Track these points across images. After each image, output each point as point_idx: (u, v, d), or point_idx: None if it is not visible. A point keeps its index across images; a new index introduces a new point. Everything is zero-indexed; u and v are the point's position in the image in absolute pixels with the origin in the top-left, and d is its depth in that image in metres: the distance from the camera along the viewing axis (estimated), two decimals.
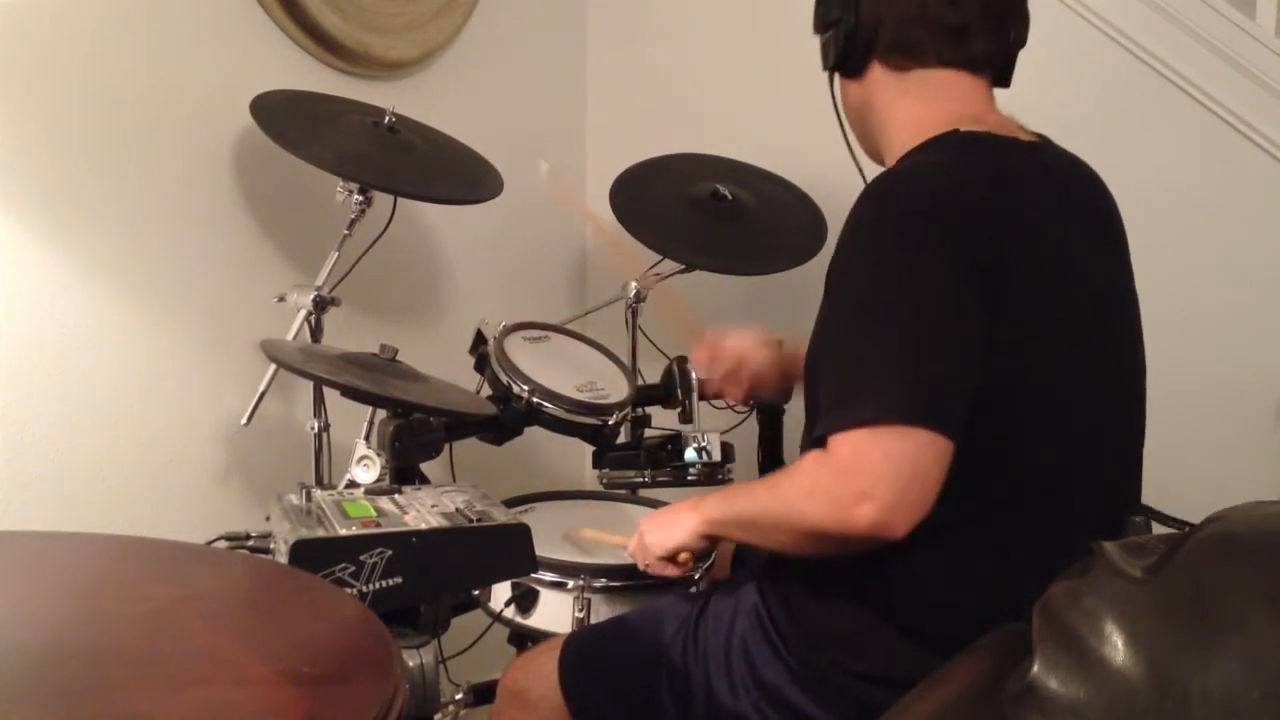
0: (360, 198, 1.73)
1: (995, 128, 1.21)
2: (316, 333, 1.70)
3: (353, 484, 1.47)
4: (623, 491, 1.87)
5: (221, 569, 1.15)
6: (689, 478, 1.79)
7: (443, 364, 1.73)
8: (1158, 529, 1.39)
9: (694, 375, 1.77)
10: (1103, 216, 1.27)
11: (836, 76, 1.32)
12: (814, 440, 1.10)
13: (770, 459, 1.84)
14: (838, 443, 1.07)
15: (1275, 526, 0.80)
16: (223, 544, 1.41)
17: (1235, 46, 1.91)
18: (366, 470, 1.48)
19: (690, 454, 1.77)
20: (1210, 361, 1.95)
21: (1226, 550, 0.76)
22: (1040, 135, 1.27)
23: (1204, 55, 1.93)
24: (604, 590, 1.51)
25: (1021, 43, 1.28)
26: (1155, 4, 1.95)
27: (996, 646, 0.90)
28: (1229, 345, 1.95)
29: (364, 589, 1.16)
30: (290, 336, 1.68)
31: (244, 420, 1.70)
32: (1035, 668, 0.76)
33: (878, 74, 1.26)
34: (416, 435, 1.51)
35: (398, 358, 1.54)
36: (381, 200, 1.79)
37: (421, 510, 1.27)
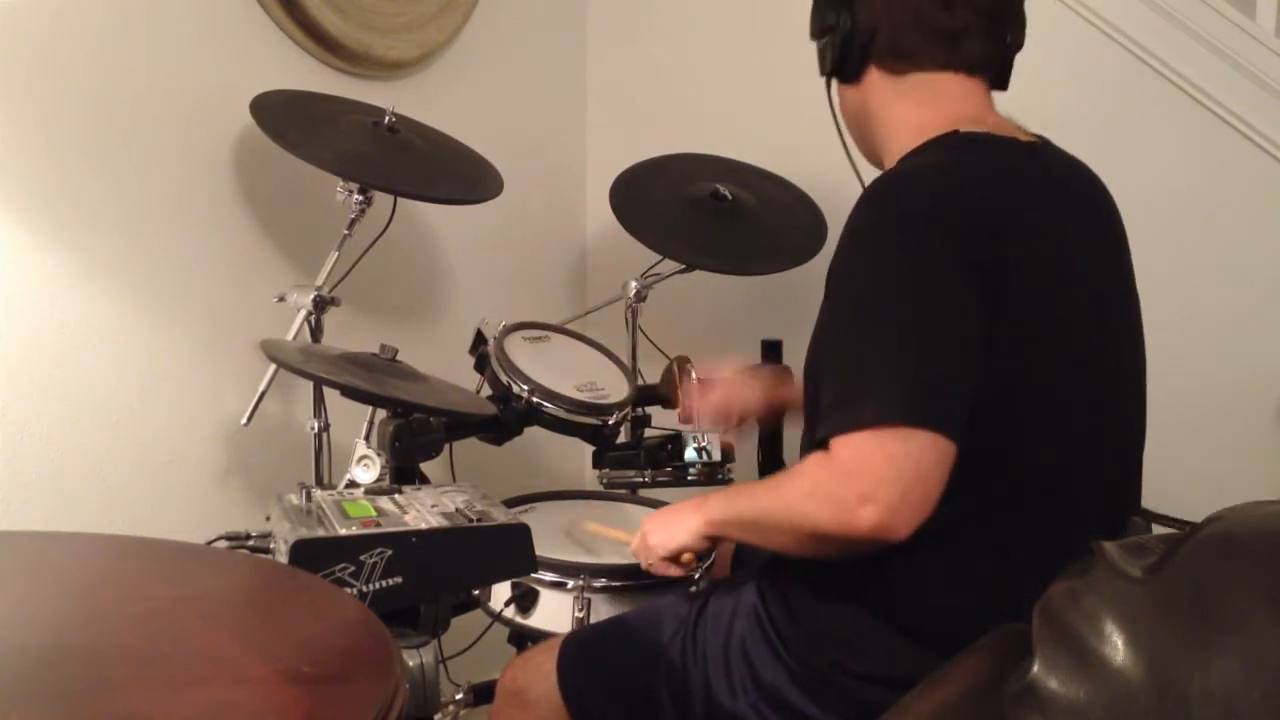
0: (360, 198, 1.73)
1: (995, 128, 1.22)
2: (316, 333, 1.70)
3: (353, 484, 1.47)
4: (623, 491, 1.87)
5: (221, 569, 1.15)
6: (689, 478, 1.80)
7: (443, 364, 1.73)
8: (1157, 529, 1.39)
9: (694, 376, 1.77)
10: (1103, 217, 1.27)
11: (833, 82, 1.32)
12: (816, 442, 1.10)
13: (770, 459, 1.84)
14: (839, 445, 1.07)
15: (1275, 526, 0.80)
16: (223, 544, 1.41)
17: (1235, 46, 1.92)
18: (366, 470, 1.48)
19: (690, 454, 1.77)
20: (1210, 361, 1.95)
21: (1226, 550, 0.76)
22: (1039, 136, 1.27)
23: (1204, 55, 1.93)
24: (604, 590, 1.51)
25: (1018, 46, 1.28)
26: (1155, 4, 1.95)
27: (996, 646, 0.90)
28: (1229, 345, 1.95)
29: (364, 589, 1.16)
30: (290, 336, 1.68)
31: (244, 420, 1.70)
32: (1035, 668, 0.76)
33: (874, 79, 1.27)
34: (416, 435, 1.51)
35: (398, 358, 1.54)
36: (381, 200, 1.79)
37: (421, 510, 1.27)
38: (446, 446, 1.62)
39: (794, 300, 2.02)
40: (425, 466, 1.61)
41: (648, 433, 1.87)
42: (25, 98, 1.54)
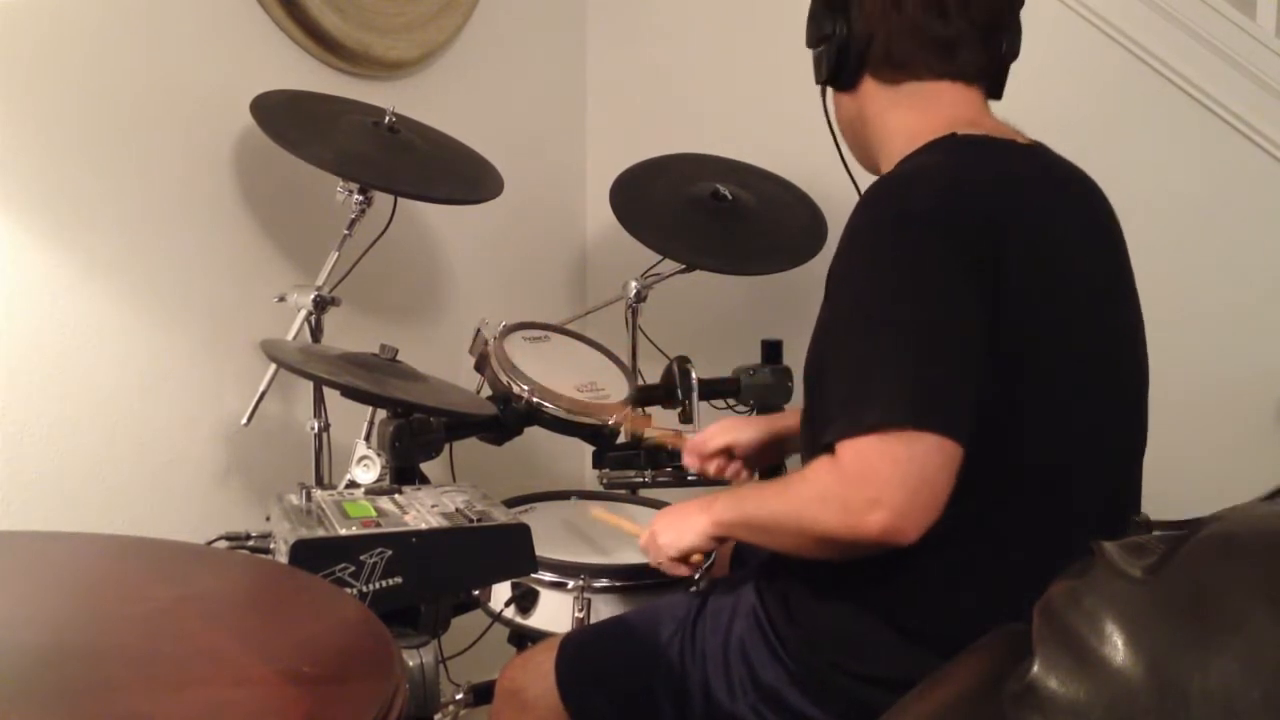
0: (360, 198, 1.73)
1: (992, 131, 1.22)
2: (316, 333, 1.70)
3: (353, 484, 1.47)
4: (623, 491, 1.87)
5: (221, 569, 1.15)
6: (689, 478, 1.79)
7: (443, 364, 1.73)
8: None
9: (694, 375, 1.77)
10: (1101, 219, 1.27)
11: (829, 90, 1.33)
12: (822, 447, 1.10)
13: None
14: (845, 449, 1.07)
15: (1275, 526, 0.80)
16: (223, 544, 1.41)
17: (1235, 46, 1.92)
18: (366, 470, 1.48)
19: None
20: (1210, 361, 1.95)
21: (1226, 550, 0.76)
22: (1036, 141, 1.27)
23: (1204, 55, 1.93)
24: (604, 590, 1.51)
25: (1014, 54, 1.28)
26: (1155, 4, 1.95)
27: (996, 646, 0.90)
28: (1229, 345, 1.95)
29: (364, 589, 1.16)
30: (290, 336, 1.68)
31: (244, 420, 1.70)
32: (1035, 668, 0.76)
33: (870, 87, 1.27)
34: (416, 435, 1.51)
35: (398, 358, 1.54)
36: (381, 200, 1.79)
37: (421, 510, 1.27)
38: (446, 446, 1.61)
39: (794, 300, 2.03)
40: (425, 466, 1.61)
41: (648, 433, 1.87)
42: (25, 98, 1.54)
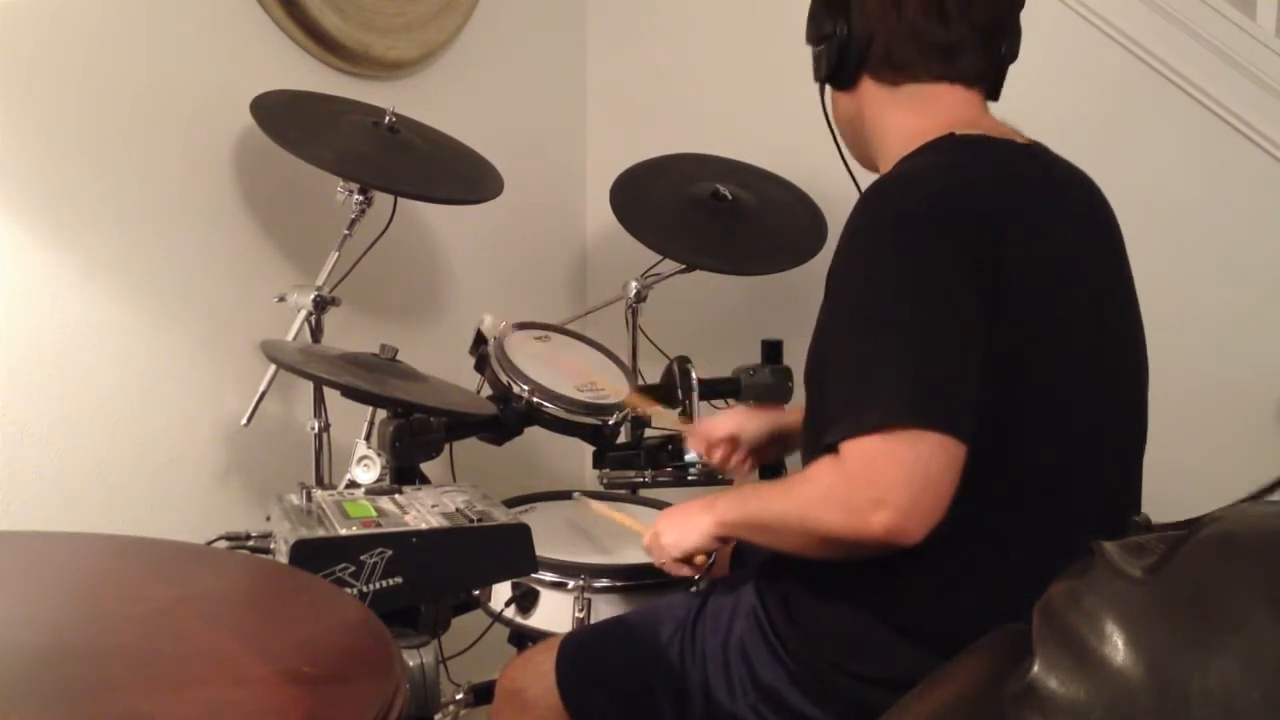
0: (360, 198, 1.73)
1: (991, 131, 1.22)
2: (316, 333, 1.70)
3: (353, 484, 1.47)
4: (623, 491, 1.87)
5: (221, 569, 1.15)
6: (689, 478, 1.80)
7: (443, 364, 1.73)
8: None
9: (694, 375, 1.77)
10: (1100, 218, 1.27)
11: (827, 87, 1.32)
12: (825, 447, 1.10)
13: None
14: (849, 449, 1.06)
15: (1275, 526, 0.80)
16: (223, 544, 1.42)
17: (1235, 46, 1.92)
18: (367, 470, 1.48)
19: (690, 454, 1.77)
20: (1210, 361, 1.95)
21: (1226, 550, 0.76)
22: (1035, 141, 1.27)
23: (1204, 55, 1.93)
24: (604, 590, 1.51)
25: (1013, 56, 1.28)
26: (1155, 4, 1.95)
27: (996, 646, 0.90)
28: (1229, 345, 1.95)
29: (364, 589, 1.16)
30: (290, 336, 1.68)
31: (244, 420, 1.70)
32: (1035, 668, 0.76)
33: (869, 87, 1.27)
34: (416, 435, 1.51)
35: (398, 358, 1.54)
36: (381, 200, 1.79)
37: (422, 510, 1.27)
38: (446, 446, 1.62)
39: (794, 300, 2.02)
40: (425, 466, 1.61)
41: (648, 433, 1.87)
42: (25, 98, 1.54)
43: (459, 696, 1.61)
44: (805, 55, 1.33)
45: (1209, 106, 1.93)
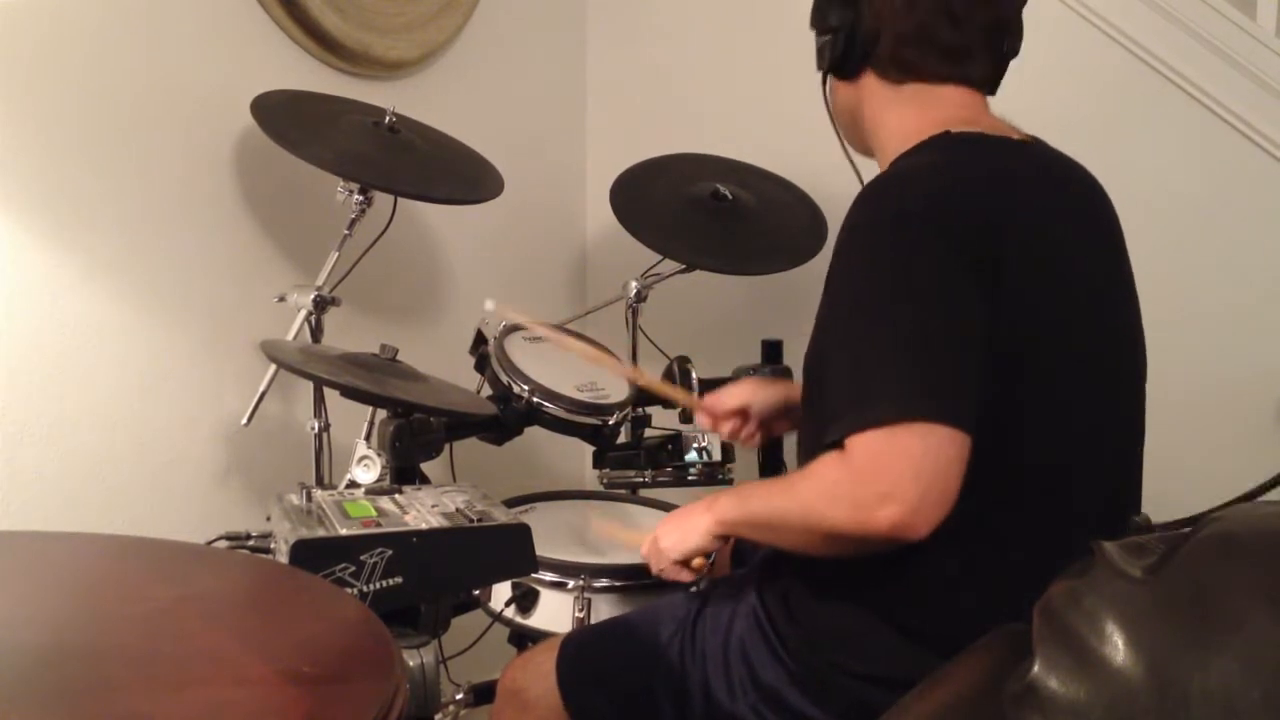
0: (360, 198, 1.73)
1: (988, 129, 1.21)
2: (316, 333, 1.70)
3: (353, 484, 1.47)
4: (623, 491, 1.87)
5: (221, 569, 1.15)
6: (689, 478, 1.80)
7: (443, 364, 1.73)
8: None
9: (694, 375, 1.77)
10: (1101, 217, 1.27)
11: (829, 75, 1.32)
12: (830, 443, 1.09)
13: (770, 461, 1.84)
14: (855, 444, 1.06)
15: (1275, 526, 0.80)
16: (223, 544, 1.42)
17: (1235, 46, 1.92)
18: (367, 470, 1.48)
19: (690, 454, 1.77)
20: (1210, 361, 1.95)
21: (1226, 550, 0.76)
22: (1033, 136, 1.27)
23: (1204, 55, 1.93)
24: (604, 590, 1.51)
25: (1014, 53, 1.28)
26: (1155, 4, 1.95)
27: (996, 646, 0.90)
28: (1229, 345, 1.95)
29: (364, 589, 1.16)
30: (290, 336, 1.68)
31: (244, 420, 1.70)
32: (1035, 668, 0.76)
33: (871, 82, 1.26)
34: (417, 435, 1.51)
35: (398, 358, 1.54)
36: (382, 200, 1.79)
37: (422, 510, 1.27)
38: (446, 446, 1.61)
39: (794, 300, 2.02)
40: (425, 466, 1.61)
41: (648, 433, 1.87)
42: (25, 98, 1.54)
43: (459, 696, 1.61)
44: (806, 56, 1.33)
45: (1209, 106, 1.93)
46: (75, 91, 1.60)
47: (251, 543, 1.41)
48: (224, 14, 1.81)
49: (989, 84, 1.27)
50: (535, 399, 1.62)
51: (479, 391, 1.73)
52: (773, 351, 1.92)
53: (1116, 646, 0.74)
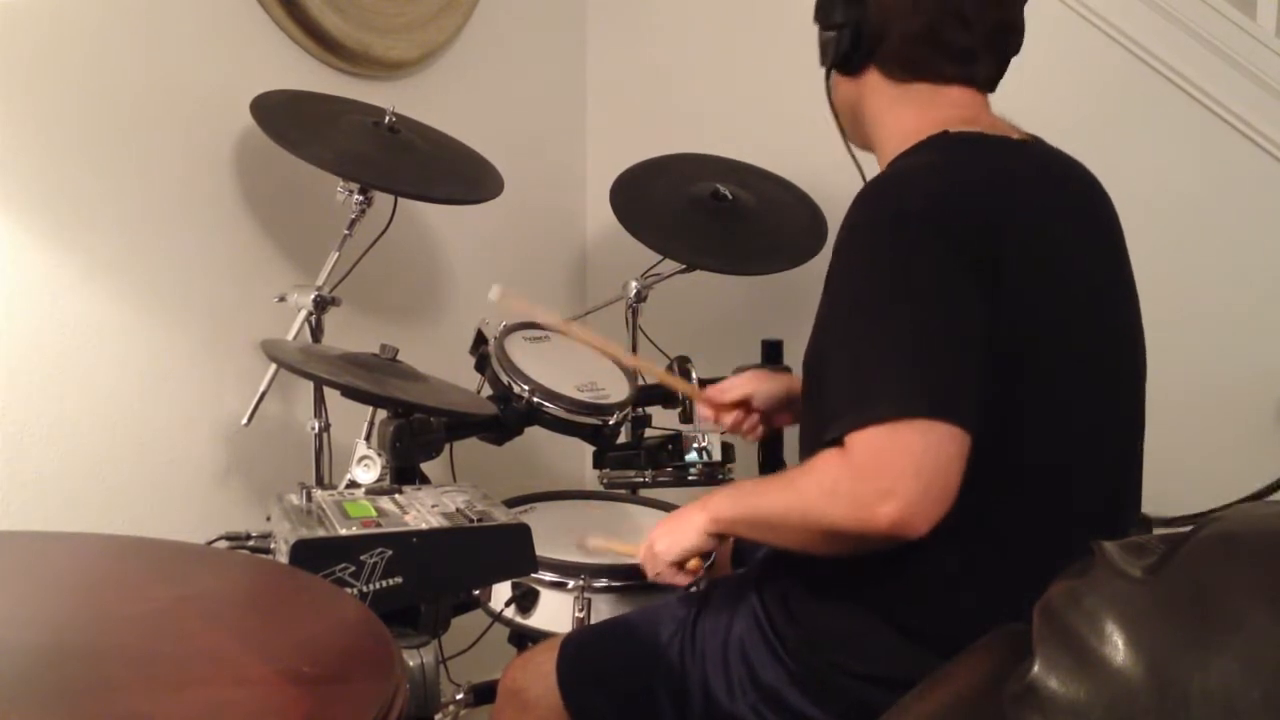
0: (360, 198, 1.73)
1: (987, 128, 1.21)
2: (317, 333, 1.70)
3: (353, 484, 1.47)
4: (623, 491, 1.87)
5: (221, 569, 1.15)
6: (689, 478, 1.80)
7: (443, 364, 1.73)
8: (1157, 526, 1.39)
9: (694, 375, 1.77)
10: (1100, 216, 1.27)
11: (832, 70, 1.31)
12: (829, 441, 1.09)
13: (770, 458, 1.84)
14: (856, 441, 1.05)
15: (1275, 526, 0.80)
16: (223, 544, 1.42)
17: (1235, 46, 1.92)
18: (367, 470, 1.48)
19: (690, 454, 1.77)
20: (1210, 361, 1.95)
21: (1226, 550, 0.76)
22: (1032, 135, 1.27)
23: (1204, 55, 1.93)
24: (604, 590, 1.51)
25: (1016, 51, 1.27)
26: (1155, 4, 1.95)
27: (996, 646, 0.90)
28: (1229, 345, 1.95)
29: (364, 589, 1.16)
30: (290, 336, 1.68)
31: (244, 420, 1.70)
32: (1035, 668, 0.76)
33: (874, 79, 1.26)
34: (417, 435, 1.51)
35: (398, 358, 1.54)
36: (382, 200, 1.79)
37: (422, 510, 1.27)
38: (446, 446, 1.61)
39: (794, 300, 2.02)
40: (425, 466, 1.61)
41: (648, 433, 1.87)
42: (25, 98, 1.54)
43: (459, 696, 1.61)
44: (805, 56, 1.32)
45: (1209, 106, 1.93)
46: (75, 91, 1.60)
47: (251, 543, 1.41)
48: (224, 14, 1.81)
49: (992, 83, 1.27)
50: (535, 399, 1.62)
51: (479, 391, 1.73)
52: (773, 351, 1.92)
53: (1116, 646, 0.74)
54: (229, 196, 1.83)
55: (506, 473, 2.07)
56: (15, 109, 1.53)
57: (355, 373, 1.46)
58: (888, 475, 1.03)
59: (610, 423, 1.68)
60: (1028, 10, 1.28)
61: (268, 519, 1.32)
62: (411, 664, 1.18)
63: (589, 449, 1.84)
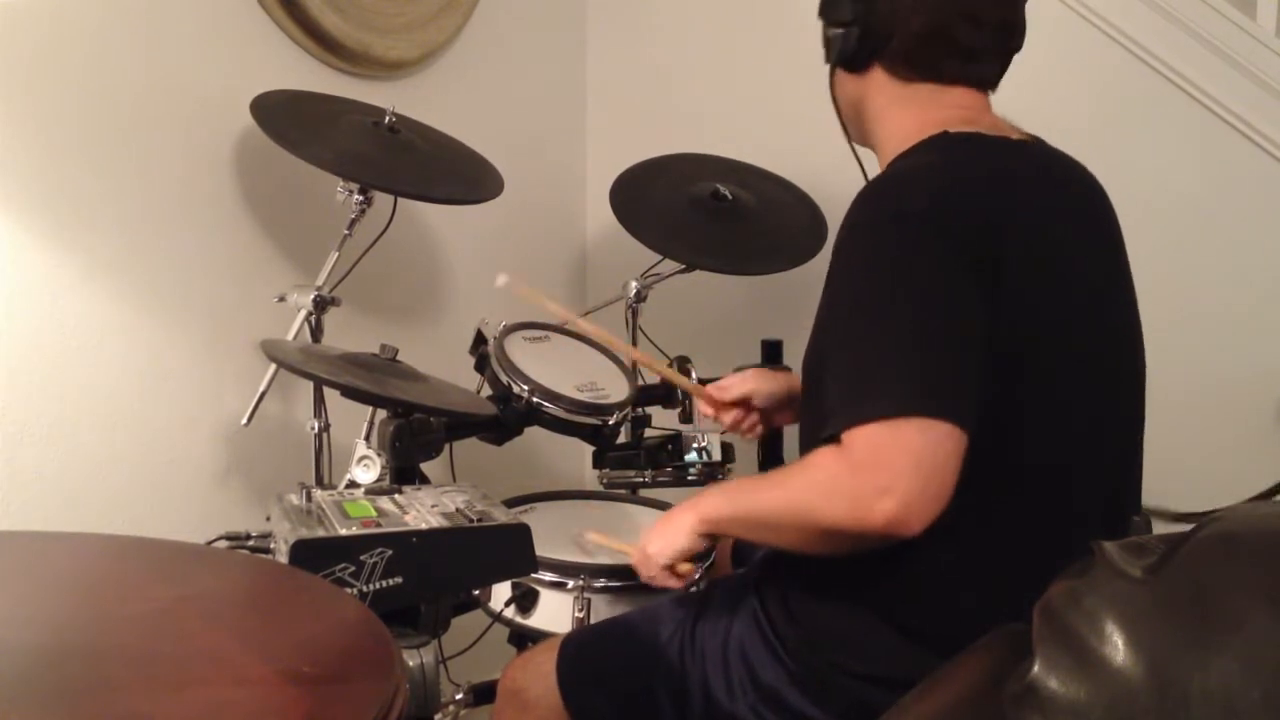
0: (360, 198, 1.73)
1: (988, 129, 1.21)
2: (316, 333, 1.70)
3: (353, 484, 1.47)
4: (623, 491, 1.87)
5: (221, 569, 1.15)
6: (689, 478, 1.79)
7: (443, 364, 1.73)
8: (1158, 527, 1.39)
9: (694, 375, 1.77)
10: (1100, 216, 1.27)
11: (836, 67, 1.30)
12: (825, 437, 1.09)
13: (770, 458, 1.84)
14: (855, 438, 1.05)
15: (1275, 526, 0.80)
16: (223, 544, 1.41)
17: (1235, 46, 1.92)
18: (366, 470, 1.48)
19: (690, 454, 1.77)
20: (1210, 361, 1.95)
21: (1226, 550, 0.76)
22: (1032, 135, 1.27)
23: (1204, 55, 1.93)
24: (604, 590, 1.51)
25: (1017, 50, 1.27)
26: (1155, 4, 1.95)
27: (996, 646, 0.90)
28: (1229, 345, 1.95)
29: (364, 589, 1.16)
30: (290, 336, 1.68)
31: (244, 420, 1.70)
32: (1035, 668, 0.76)
33: (879, 77, 1.25)
34: (416, 435, 1.51)
35: (398, 358, 1.54)
36: (381, 200, 1.79)
37: (422, 510, 1.27)
38: (446, 446, 1.61)
39: (794, 300, 2.02)
40: (425, 466, 1.61)
41: (648, 433, 1.87)
42: (25, 98, 1.54)
43: (459, 696, 1.60)
44: (805, 56, 1.32)
45: (1209, 106, 1.93)
46: (75, 91, 1.60)
47: (251, 543, 1.41)
48: (224, 14, 1.81)
49: (994, 83, 1.27)
50: (535, 399, 1.62)
51: (479, 391, 1.73)
52: (773, 351, 1.92)
53: (1116, 646, 0.74)
54: (229, 196, 1.83)
55: (506, 473, 2.07)
56: (15, 109, 1.53)
57: (355, 373, 1.46)
58: (886, 472, 1.03)
59: (610, 423, 1.68)
60: (1028, 10, 1.28)
61: (268, 519, 1.32)
62: (411, 664, 1.18)
63: (589, 449, 1.84)
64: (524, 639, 1.61)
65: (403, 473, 1.51)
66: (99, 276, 1.64)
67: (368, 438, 1.62)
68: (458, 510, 1.28)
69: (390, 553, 1.17)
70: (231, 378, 1.81)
